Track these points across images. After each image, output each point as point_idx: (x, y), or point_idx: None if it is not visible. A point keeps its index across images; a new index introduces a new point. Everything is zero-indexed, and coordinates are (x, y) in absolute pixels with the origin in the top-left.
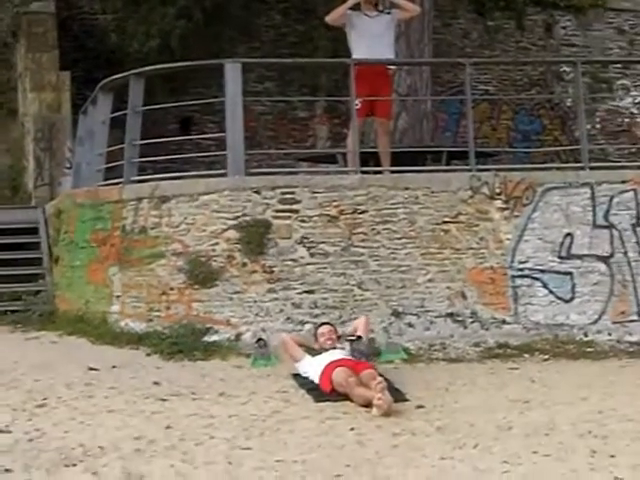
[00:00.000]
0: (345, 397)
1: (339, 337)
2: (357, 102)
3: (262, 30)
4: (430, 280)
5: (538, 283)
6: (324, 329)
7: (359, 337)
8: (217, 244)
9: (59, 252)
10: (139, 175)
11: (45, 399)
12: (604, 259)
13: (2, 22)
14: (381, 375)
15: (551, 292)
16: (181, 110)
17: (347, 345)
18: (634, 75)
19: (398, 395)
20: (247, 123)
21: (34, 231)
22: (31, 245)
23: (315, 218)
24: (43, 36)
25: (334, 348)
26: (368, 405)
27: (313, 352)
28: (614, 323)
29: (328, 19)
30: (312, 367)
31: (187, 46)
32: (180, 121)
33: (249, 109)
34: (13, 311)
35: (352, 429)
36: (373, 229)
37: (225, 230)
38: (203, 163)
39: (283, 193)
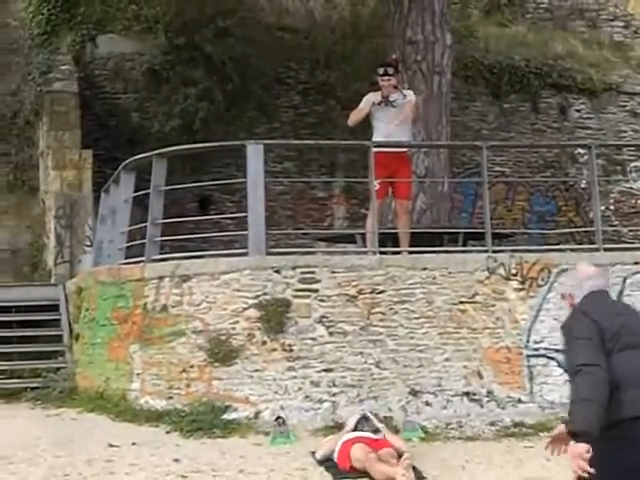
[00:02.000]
0: (363, 474)
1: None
2: (376, 183)
3: (281, 110)
4: (447, 359)
5: (553, 363)
6: None
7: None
8: (237, 322)
9: (80, 329)
10: (159, 254)
11: (66, 475)
12: None
13: (25, 100)
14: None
15: (566, 371)
16: (200, 189)
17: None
18: None
19: (416, 473)
20: (266, 202)
21: (54, 308)
22: (51, 322)
23: (334, 297)
24: (65, 115)
25: None
26: None
27: None
28: None
29: (350, 123)
30: None
31: (208, 127)
32: (199, 200)
33: (268, 188)
34: (33, 388)
35: None
36: (391, 309)
37: (245, 309)
38: (221, 242)
39: (303, 272)
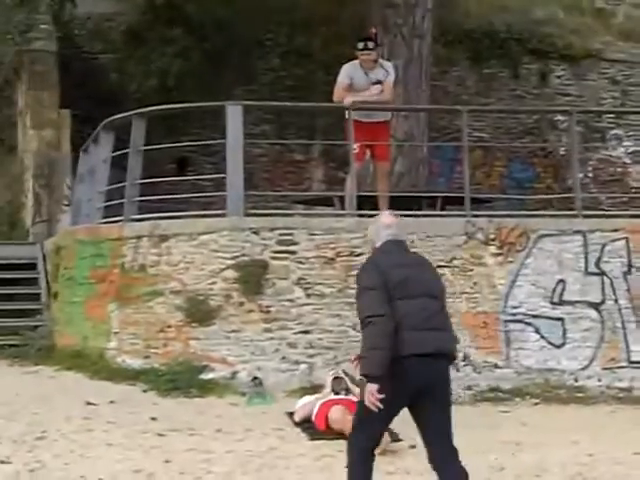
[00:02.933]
0: (339, 435)
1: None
2: (355, 146)
3: (260, 73)
4: None
5: (530, 328)
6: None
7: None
8: (215, 283)
9: (58, 288)
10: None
11: (45, 432)
12: (595, 306)
13: (4, 59)
14: None
15: (543, 337)
16: (178, 150)
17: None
18: (627, 125)
19: (392, 435)
20: (245, 165)
21: (32, 267)
22: (29, 280)
23: (312, 259)
24: (44, 74)
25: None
26: None
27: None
28: (604, 369)
29: (336, 99)
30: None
31: (185, 87)
32: (177, 161)
33: (246, 151)
34: (11, 345)
35: (347, 467)
36: None
37: (223, 269)
38: (198, 203)
39: (281, 234)
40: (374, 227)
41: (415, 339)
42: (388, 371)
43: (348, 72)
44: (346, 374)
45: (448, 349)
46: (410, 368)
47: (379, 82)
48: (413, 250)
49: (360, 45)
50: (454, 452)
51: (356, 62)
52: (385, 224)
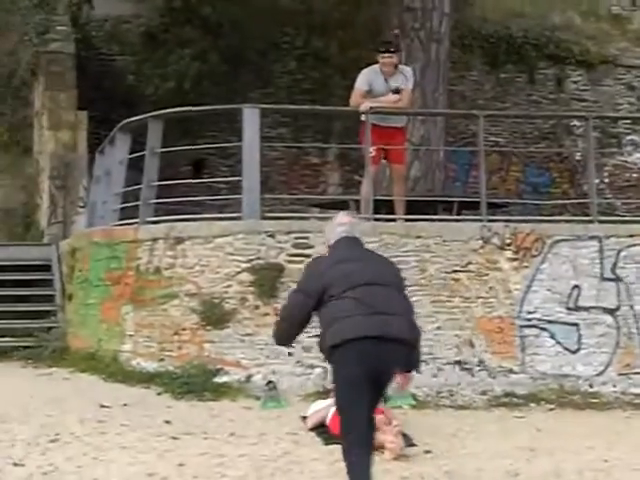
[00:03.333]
0: None
1: None
2: (371, 150)
3: (277, 76)
4: (439, 328)
5: (545, 333)
6: None
7: None
8: (230, 286)
9: (72, 290)
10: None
11: (58, 434)
12: (610, 311)
13: (22, 60)
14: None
15: (558, 343)
16: (195, 152)
17: None
18: None
19: (406, 440)
20: (261, 168)
21: (47, 268)
22: (44, 282)
23: None
24: (61, 75)
25: None
26: (378, 448)
27: None
28: (619, 375)
29: (352, 104)
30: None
31: (201, 89)
32: (193, 163)
33: (262, 154)
34: (25, 347)
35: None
36: None
37: (239, 273)
38: (213, 206)
39: (297, 237)
40: (329, 226)
41: (357, 324)
42: (339, 358)
43: (368, 78)
44: None
45: (395, 333)
46: (352, 352)
47: (398, 90)
48: (429, 254)
49: (382, 48)
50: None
51: (376, 67)
52: (340, 222)
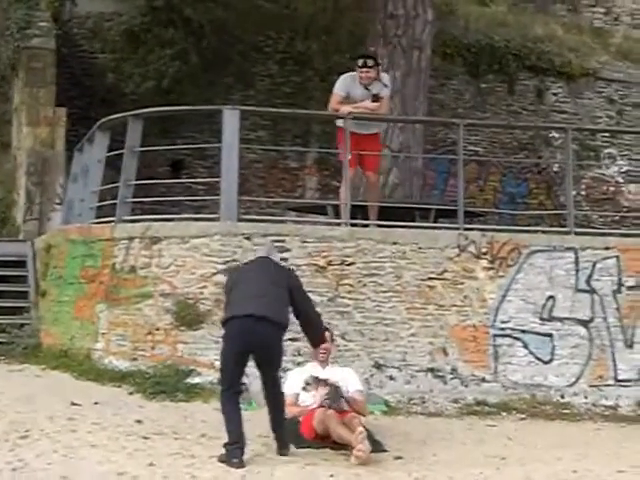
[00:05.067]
0: (326, 443)
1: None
2: (348, 155)
3: (258, 78)
4: (413, 334)
5: (519, 343)
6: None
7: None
8: (205, 287)
9: (47, 286)
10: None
11: (28, 431)
12: (584, 323)
13: (2, 55)
14: (362, 425)
15: (531, 353)
16: (173, 153)
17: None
18: (621, 144)
19: (377, 446)
20: (239, 170)
21: (21, 264)
22: (18, 278)
23: (303, 267)
24: (42, 71)
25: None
26: (344, 446)
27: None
28: (591, 386)
29: (330, 109)
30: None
31: (181, 89)
32: (171, 164)
33: (241, 156)
34: None
35: (331, 476)
36: (360, 281)
37: (214, 274)
38: (191, 207)
39: (274, 241)
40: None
41: (239, 305)
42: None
43: (345, 84)
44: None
45: (265, 313)
46: (234, 327)
47: (376, 96)
48: (405, 261)
49: (360, 62)
50: (277, 396)
51: (355, 74)
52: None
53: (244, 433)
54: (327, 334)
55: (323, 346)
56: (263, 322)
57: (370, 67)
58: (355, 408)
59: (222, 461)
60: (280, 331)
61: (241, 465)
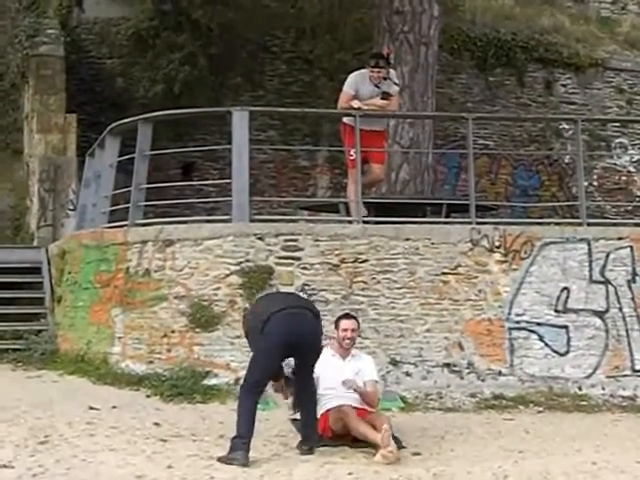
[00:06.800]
0: (343, 442)
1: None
2: (352, 152)
3: (266, 79)
4: (428, 330)
5: (534, 336)
6: (347, 324)
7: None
8: (219, 288)
9: (62, 292)
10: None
11: (47, 436)
12: (599, 314)
13: (11, 63)
14: (389, 424)
15: (547, 345)
16: (184, 155)
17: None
18: (632, 134)
19: (395, 442)
20: (250, 170)
21: (37, 271)
22: (33, 285)
23: (317, 266)
24: (51, 78)
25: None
26: (363, 441)
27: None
28: (608, 377)
29: (339, 107)
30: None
31: (191, 92)
32: (182, 166)
33: (251, 157)
34: (15, 349)
35: (350, 474)
36: (373, 278)
37: (228, 275)
38: (203, 209)
39: (286, 240)
40: None
41: (273, 304)
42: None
43: (355, 82)
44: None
45: (306, 304)
46: (277, 321)
47: (386, 93)
48: (418, 257)
49: (372, 62)
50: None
51: (365, 72)
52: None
53: (253, 433)
54: (353, 321)
55: (349, 335)
56: (306, 311)
57: (381, 67)
58: (366, 400)
59: (226, 456)
60: (320, 321)
61: (244, 460)
